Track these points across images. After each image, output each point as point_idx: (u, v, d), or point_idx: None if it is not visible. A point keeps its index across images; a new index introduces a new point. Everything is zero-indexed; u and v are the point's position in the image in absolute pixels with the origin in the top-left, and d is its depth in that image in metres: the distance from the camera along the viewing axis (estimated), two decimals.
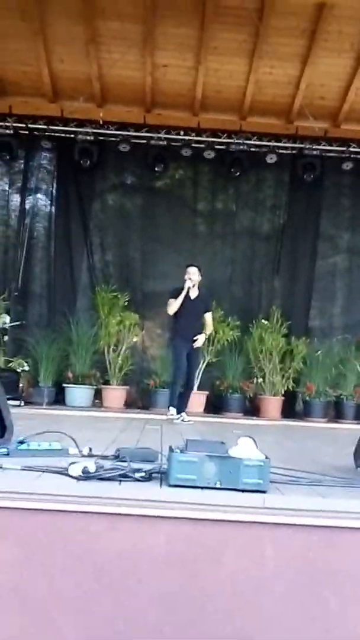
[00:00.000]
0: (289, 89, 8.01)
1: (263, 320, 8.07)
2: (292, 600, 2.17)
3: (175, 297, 6.35)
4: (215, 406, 7.93)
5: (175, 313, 6.41)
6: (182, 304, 6.33)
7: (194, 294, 6.47)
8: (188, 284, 6.31)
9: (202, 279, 6.55)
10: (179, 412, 6.26)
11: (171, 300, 6.40)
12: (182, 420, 6.18)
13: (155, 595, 2.13)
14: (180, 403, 6.35)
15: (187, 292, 6.34)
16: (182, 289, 6.36)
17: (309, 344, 8.06)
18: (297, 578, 2.18)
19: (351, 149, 8.27)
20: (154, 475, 2.49)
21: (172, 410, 6.27)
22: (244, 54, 7.63)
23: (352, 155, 8.30)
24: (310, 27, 7.26)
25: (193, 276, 6.39)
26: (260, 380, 8.01)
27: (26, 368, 7.64)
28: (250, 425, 6.63)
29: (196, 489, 2.30)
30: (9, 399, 3.42)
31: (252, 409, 8.10)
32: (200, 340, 6.44)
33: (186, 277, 6.40)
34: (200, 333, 6.44)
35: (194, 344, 6.36)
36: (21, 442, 3.01)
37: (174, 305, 6.35)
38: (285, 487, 2.48)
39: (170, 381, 6.65)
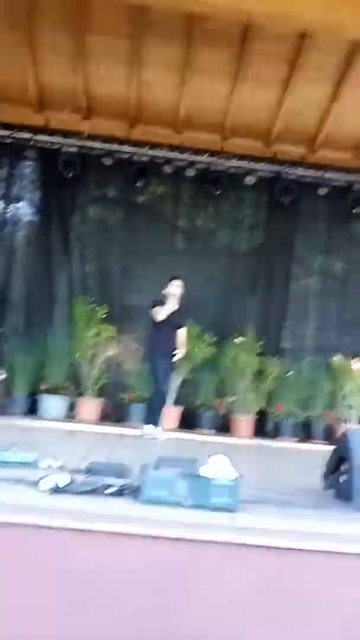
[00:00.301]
0: (270, 112, 8.17)
1: (236, 340, 8.11)
2: (258, 621, 2.19)
3: (159, 305, 6.45)
4: (189, 423, 7.93)
5: (154, 327, 6.45)
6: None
7: (175, 307, 6.59)
8: (174, 296, 6.48)
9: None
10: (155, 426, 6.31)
11: (158, 308, 6.48)
12: (155, 437, 6.16)
13: (125, 612, 2.14)
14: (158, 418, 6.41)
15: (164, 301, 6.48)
16: (163, 300, 6.46)
17: (280, 364, 8.15)
18: (264, 600, 2.21)
19: (326, 175, 8.48)
20: (126, 491, 2.52)
21: (149, 428, 6.28)
22: (227, 76, 7.75)
23: (327, 182, 8.50)
24: (291, 55, 7.44)
25: (179, 289, 6.53)
26: (233, 398, 8.05)
27: (1, 376, 7.57)
28: (223, 444, 6.66)
29: (168, 506, 2.33)
30: None
31: (224, 426, 8.12)
32: (181, 354, 6.57)
33: (172, 289, 6.51)
34: (174, 348, 6.52)
35: (173, 359, 6.45)
36: None
37: (162, 313, 6.43)
38: (255, 506, 2.52)
39: (151, 397, 6.66)
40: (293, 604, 2.20)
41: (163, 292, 6.61)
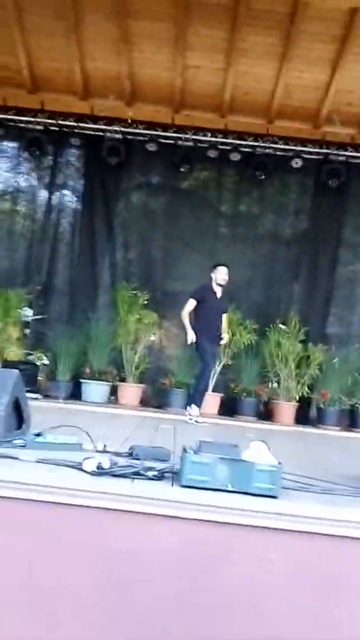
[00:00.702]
0: (318, 94, 7.99)
1: (281, 325, 8.04)
2: (298, 607, 2.17)
3: (197, 298, 6.48)
4: (229, 409, 7.93)
5: (201, 312, 6.48)
6: (210, 303, 6.47)
7: (219, 293, 6.68)
8: (221, 283, 6.61)
9: None
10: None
11: (191, 301, 6.52)
12: (196, 422, 6.18)
13: (162, 594, 2.16)
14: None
15: (214, 289, 6.61)
16: (206, 288, 6.56)
17: (325, 351, 8.02)
18: (303, 585, 2.18)
19: None
20: (166, 474, 2.52)
21: (195, 409, 6.32)
22: (273, 58, 7.62)
23: None
24: (341, 32, 7.23)
25: (226, 276, 6.63)
26: (275, 385, 7.99)
27: (45, 362, 7.73)
28: (263, 430, 6.62)
29: (207, 491, 2.32)
30: (27, 392, 3.47)
31: (266, 413, 8.09)
32: (226, 339, 6.68)
33: (218, 275, 6.61)
34: (221, 332, 6.61)
35: (220, 342, 6.59)
36: (38, 435, 3.05)
37: (190, 306, 6.52)
38: (297, 493, 2.49)
39: (196, 381, 6.68)
40: (333, 591, 2.17)
41: (212, 278, 6.70)
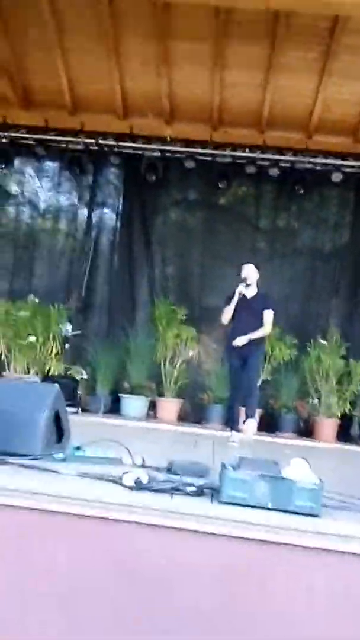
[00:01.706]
0: (357, 107, 7.93)
1: (321, 340, 7.93)
2: (339, 631, 2.11)
3: (230, 302, 5.81)
4: (268, 425, 7.83)
5: (233, 320, 5.82)
6: (238, 306, 5.72)
7: (250, 293, 5.88)
8: (240, 288, 5.76)
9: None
10: (247, 417, 5.67)
11: (226, 308, 5.84)
12: (229, 440, 5.65)
13: (198, 611, 2.13)
14: (247, 411, 5.73)
15: (241, 294, 5.76)
16: (231, 292, 5.81)
17: None
18: (344, 608, 2.12)
19: None
20: (205, 490, 2.50)
21: (235, 435, 5.68)
22: (313, 72, 7.62)
23: None
24: None
25: (248, 274, 5.82)
26: (315, 401, 7.86)
27: (85, 376, 7.82)
28: (304, 447, 6.51)
29: (247, 508, 2.29)
30: (67, 406, 3.52)
31: (306, 430, 7.95)
32: (252, 336, 5.70)
33: (242, 273, 5.86)
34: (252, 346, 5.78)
35: (236, 342, 5.71)
36: (77, 449, 3.08)
37: (227, 313, 5.78)
38: (338, 512, 2.43)
39: (229, 400, 6.23)
40: None
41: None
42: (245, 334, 5.71)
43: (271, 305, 5.93)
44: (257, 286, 5.97)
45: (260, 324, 5.78)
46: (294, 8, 6.25)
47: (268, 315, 5.83)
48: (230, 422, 5.91)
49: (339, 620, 2.11)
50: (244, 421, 5.64)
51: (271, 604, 2.13)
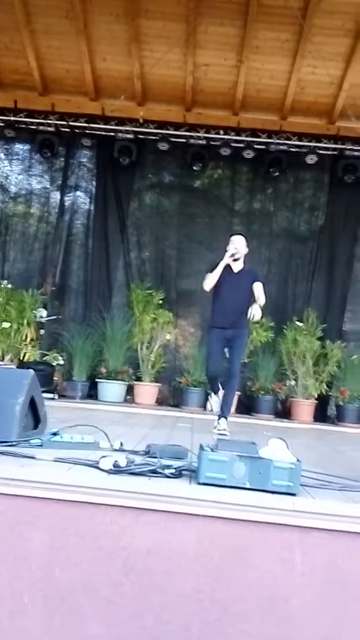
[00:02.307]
0: (332, 89, 7.91)
1: (297, 322, 7.98)
2: (320, 606, 2.14)
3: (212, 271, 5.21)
4: (246, 407, 7.89)
5: (215, 292, 5.25)
6: (223, 280, 5.15)
7: (237, 267, 5.31)
8: (231, 251, 5.16)
9: None
10: (219, 418, 5.14)
11: (208, 275, 5.24)
12: (217, 430, 5.01)
13: (182, 591, 2.14)
14: (222, 406, 5.21)
15: (229, 263, 5.19)
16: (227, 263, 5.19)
17: (344, 348, 7.94)
18: (325, 583, 2.15)
19: None
20: (183, 472, 2.50)
21: (214, 399, 5.29)
22: (286, 53, 7.57)
23: None
24: (354, 26, 7.16)
25: (238, 245, 5.26)
26: (292, 382, 7.94)
27: (61, 362, 7.76)
28: (282, 428, 6.57)
29: (225, 488, 2.30)
30: (43, 392, 3.48)
31: (284, 411, 8.04)
32: (256, 312, 5.05)
33: (230, 245, 5.25)
34: (243, 316, 5.22)
35: (253, 319, 5.09)
36: (54, 434, 3.05)
37: (210, 279, 5.16)
38: (316, 491, 2.45)
39: (208, 380, 5.70)
40: (354, 589, 2.13)
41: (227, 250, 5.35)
42: (230, 310, 5.19)
43: (260, 278, 5.36)
44: (244, 261, 5.42)
45: (246, 299, 5.21)
46: None
47: (260, 286, 5.23)
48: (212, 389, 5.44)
49: (316, 593, 2.14)
50: (218, 419, 5.15)
51: (252, 581, 2.15)
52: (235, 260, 5.27)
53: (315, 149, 8.16)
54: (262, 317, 5.39)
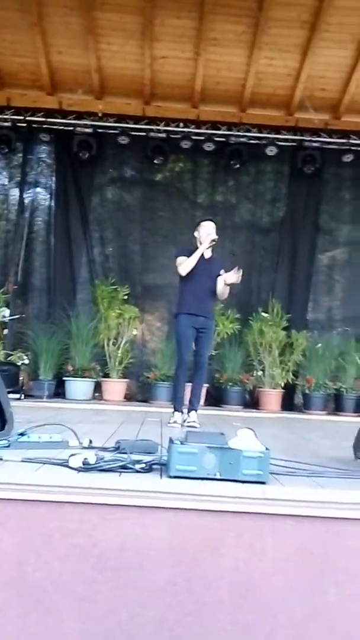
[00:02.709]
0: (289, 80, 7.98)
1: (263, 313, 8.06)
2: (293, 591, 2.17)
3: (187, 255, 5.07)
4: (215, 399, 7.94)
5: (185, 277, 5.08)
6: (195, 267, 5.01)
7: (208, 253, 5.20)
8: (212, 237, 5.04)
9: None
10: (189, 411, 5.07)
11: (182, 258, 5.08)
12: (186, 422, 4.96)
13: (156, 585, 2.14)
14: (192, 398, 5.14)
15: (194, 249, 5.06)
16: (188, 250, 5.10)
17: (308, 337, 8.06)
18: (297, 569, 2.18)
19: (352, 141, 8.22)
20: (154, 466, 2.50)
21: (177, 416, 5.06)
22: (243, 46, 7.59)
23: (352, 147, 8.25)
24: (310, 18, 7.23)
25: (212, 231, 5.13)
26: (260, 373, 8.02)
27: (26, 361, 7.65)
28: (250, 418, 6.64)
29: (196, 480, 2.30)
30: (9, 392, 3.43)
31: (252, 401, 8.12)
32: (229, 277, 4.94)
33: (202, 232, 5.13)
34: (212, 305, 5.21)
35: (228, 280, 4.96)
36: (21, 435, 3.01)
37: (188, 263, 5.01)
38: (285, 478, 2.48)
39: (174, 375, 5.46)
40: (326, 573, 2.18)
41: (196, 237, 5.26)
42: (201, 296, 5.08)
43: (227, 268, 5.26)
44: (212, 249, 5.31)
45: (214, 286, 5.11)
46: None
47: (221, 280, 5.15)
48: (174, 401, 5.26)
49: (289, 579, 2.17)
50: (188, 412, 5.08)
51: (226, 570, 2.17)
52: (212, 245, 5.17)
53: (275, 140, 8.23)
54: (227, 309, 5.29)
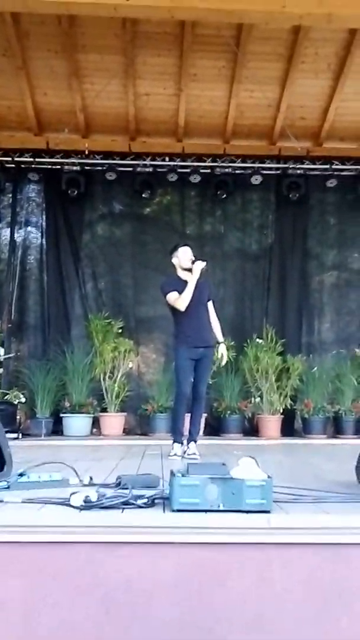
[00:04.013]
0: (270, 111, 8.17)
1: (257, 340, 8.08)
2: (303, 620, 2.14)
3: (177, 289, 4.98)
4: (214, 428, 7.89)
5: (177, 313, 5.04)
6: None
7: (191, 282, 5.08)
8: (200, 265, 4.96)
9: None
10: (189, 442, 5.04)
11: (174, 294, 4.99)
12: (186, 454, 4.94)
13: (164, 621, 2.10)
14: (191, 429, 5.10)
15: (185, 278, 5.03)
16: (174, 280, 5.05)
17: (304, 361, 8.07)
18: (307, 597, 2.15)
19: (334, 167, 8.39)
20: (156, 500, 2.48)
21: (176, 447, 5.00)
22: (223, 80, 7.79)
23: (335, 173, 8.42)
24: (287, 51, 7.44)
25: (192, 257, 5.10)
26: (258, 399, 7.99)
27: (23, 400, 7.60)
28: (251, 445, 6.59)
29: (200, 513, 2.28)
30: (7, 432, 3.39)
31: (251, 429, 8.07)
32: (223, 349, 5.16)
33: (182, 258, 5.08)
34: (210, 330, 5.11)
35: (222, 354, 5.12)
36: (21, 475, 2.98)
37: (185, 297, 4.94)
38: (289, 505, 2.47)
39: (173, 407, 5.40)
40: (335, 599, 2.14)
41: (174, 264, 5.21)
42: (200, 326, 5.06)
43: (213, 287, 5.41)
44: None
45: (207, 311, 5.18)
46: (199, 17, 6.37)
47: (212, 305, 5.26)
48: (173, 433, 5.16)
49: (299, 609, 2.14)
50: (187, 443, 5.05)
51: (235, 603, 2.14)
52: (189, 270, 5.06)
53: (259, 169, 8.37)
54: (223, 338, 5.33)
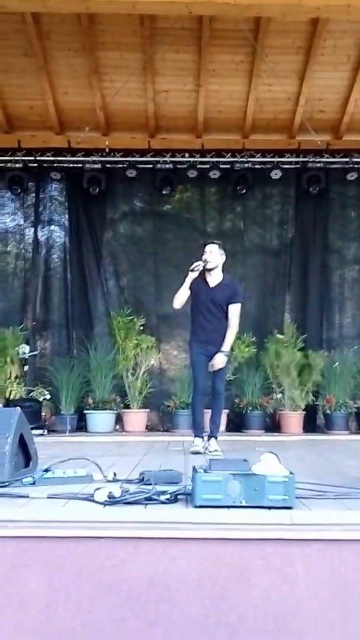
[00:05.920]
0: (289, 104, 8.11)
1: (278, 335, 8.05)
2: (327, 617, 2.14)
3: (191, 288, 4.97)
4: (235, 424, 7.89)
5: (193, 309, 5.02)
6: (197, 296, 4.94)
7: (214, 280, 4.99)
8: (199, 264, 4.87)
9: None
10: (209, 438, 5.04)
11: (178, 293, 5.05)
12: (208, 450, 4.94)
13: (188, 619, 2.12)
14: (211, 426, 5.09)
15: (205, 277, 4.93)
16: (201, 276, 4.95)
17: (326, 357, 8.02)
18: (330, 594, 2.15)
19: (354, 159, 8.29)
20: (179, 496, 2.50)
21: (197, 441, 5.02)
22: (242, 74, 7.76)
23: (355, 166, 8.32)
24: (305, 43, 7.38)
25: (209, 255, 4.91)
26: (279, 395, 7.96)
27: (48, 397, 7.70)
28: (273, 442, 6.57)
29: (222, 509, 2.30)
30: (32, 429, 3.45)
31: (273, 425, 8.05)
32: (216, 362, 4.86)
33: (206, 258, 4.93)
34: (221, 334, 4.90)
35: (212, 363, 4.88)
36: (46, 471, 3.03)
37: (177, 296, 4.98)
38: (312, 502, 2.47)
39: (191, 402, 5.43)
40: (358, 595, 2.14)
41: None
42: (209, 329, 4.97)
43: (238, 297, 5.04)
44: (223, 272, 5.08)
45: (224, 316, 4.96)
46: (216, 12, 6.34)
47: (234, 310, 4.96)
48: (194, 427, 5.19)
49: (322, 605, 2.14)
50: (208, 439, 5.04)
51: (258, 600, 2.14)
52: (209, 270, 4.93)
53: (279, 164, 8.32)
54: (243, 333, 5.06)
